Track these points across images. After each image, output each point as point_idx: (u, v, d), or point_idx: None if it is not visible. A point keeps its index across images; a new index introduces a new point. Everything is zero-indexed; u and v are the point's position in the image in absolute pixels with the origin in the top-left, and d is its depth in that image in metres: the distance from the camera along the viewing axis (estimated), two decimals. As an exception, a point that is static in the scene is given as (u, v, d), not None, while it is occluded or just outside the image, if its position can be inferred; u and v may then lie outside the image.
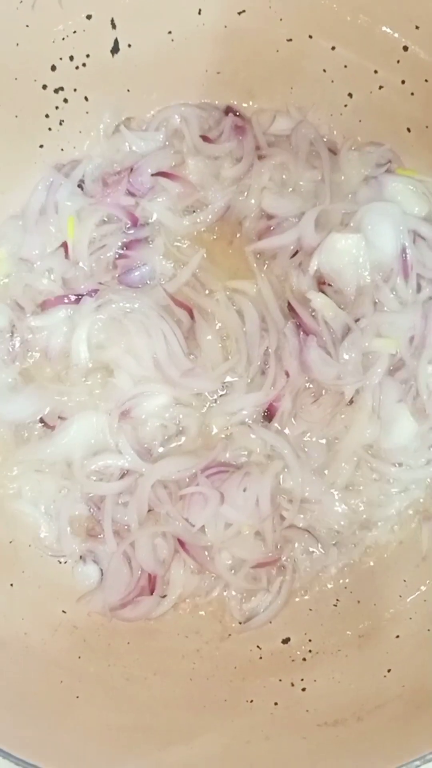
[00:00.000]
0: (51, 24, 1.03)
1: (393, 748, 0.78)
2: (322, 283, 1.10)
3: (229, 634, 1.04)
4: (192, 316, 1.10)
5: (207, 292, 1.12)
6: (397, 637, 0.97)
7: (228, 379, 1.09)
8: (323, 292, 1.09)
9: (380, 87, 1.09)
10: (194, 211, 1.15)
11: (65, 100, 1.11)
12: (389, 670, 0.93)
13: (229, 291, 1.11)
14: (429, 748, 0.76)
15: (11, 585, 1.02)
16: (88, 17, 1.04)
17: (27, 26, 1.01)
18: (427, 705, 0.85)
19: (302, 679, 0.96)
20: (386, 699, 0.89)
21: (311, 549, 1.06)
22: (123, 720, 0.90)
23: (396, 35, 1.03)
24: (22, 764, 0.77)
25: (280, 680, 0.96)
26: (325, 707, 0.91)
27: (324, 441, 1.08)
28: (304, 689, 0.95)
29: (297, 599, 1.06)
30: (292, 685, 0.96)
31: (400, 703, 0.87)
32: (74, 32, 1.05)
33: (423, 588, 1.01)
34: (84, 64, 1.08)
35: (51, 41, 1.05)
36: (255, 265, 1.13)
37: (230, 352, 1.10)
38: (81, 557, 1.07)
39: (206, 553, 1.06)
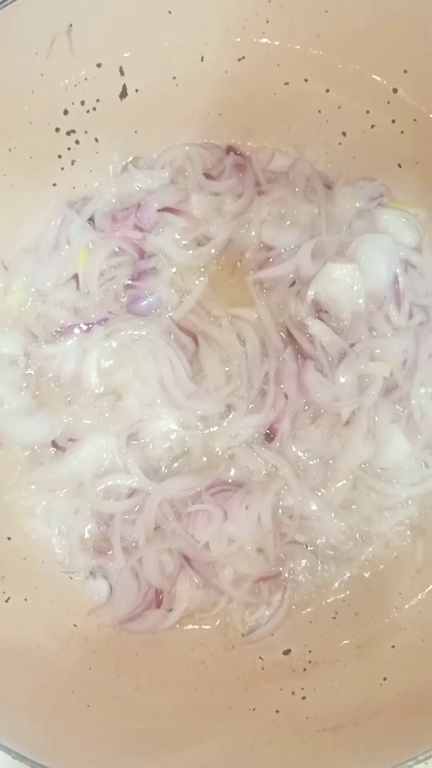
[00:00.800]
0: (64, 72, 1.10)
1: (389, 751, 0.82)
2: (319, 311, 1.16)
3: (233, 646, 1.08)
4: (196, 342, 1.16)
5: (211, 318, 1.18)
6: (393, 647, 1.02)
7: (230, 401, 1.14)
8: (320, 318, 1.15)
9: (372, 126, 1.15)
10: (198, 244, 1.21)
11: (77, 142, 1.18)
12: (385, 679, 0.97)
13: (231, 318, 1.17)
14: (422, 749, 0.80)
15: (25, 599, 1.07)
16: (98, 65, 1.11)
17: (42, 75, 1.08)
18: (421, 710, 0.89)
19: (302, 688, 1.00)
20: (382, 705, 0.93)
21: (311, 564, 1.10)
22: (132, 726, 0.95)
23: (385, 80, 1.09)
24: (38, 767, 0.82)
25: (282, 689, 1.01)
26: (325, 714, 0.95)
27: (322, 460, 1.13)
28: (304, 697, 0.99)
29: (297, 612, 1.10)
30: (293, 693, 1.00)
31: (396, 709, 0.91)
32: (85, 79, 1.12)
33: (417, 599, 1.05)
34: (94, 108, 1.15)
35: (64, 87, 1.12)
36: (255, 293, 1.18)
37: (232, 376, 1.15)
38: (91, 573, 1.12)
39: (211, 568, 1.10)
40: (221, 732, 0.95)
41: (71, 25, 1.04)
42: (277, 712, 0.97)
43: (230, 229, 1.20)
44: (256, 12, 1.07)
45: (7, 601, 1.05)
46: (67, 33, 1.06)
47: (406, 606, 1.06)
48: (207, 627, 1.10)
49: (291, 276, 1.18)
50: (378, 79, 1.10)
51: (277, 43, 1.10)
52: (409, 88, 1.09)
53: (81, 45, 1.08)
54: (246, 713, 0.98)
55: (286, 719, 0.96)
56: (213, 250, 1.21)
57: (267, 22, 1.08)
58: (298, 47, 1.10)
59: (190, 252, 1.21)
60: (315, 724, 0.93)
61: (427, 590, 1.06)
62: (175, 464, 1.14)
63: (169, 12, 1.07)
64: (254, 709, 0.98)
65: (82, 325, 1.17)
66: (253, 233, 1.20)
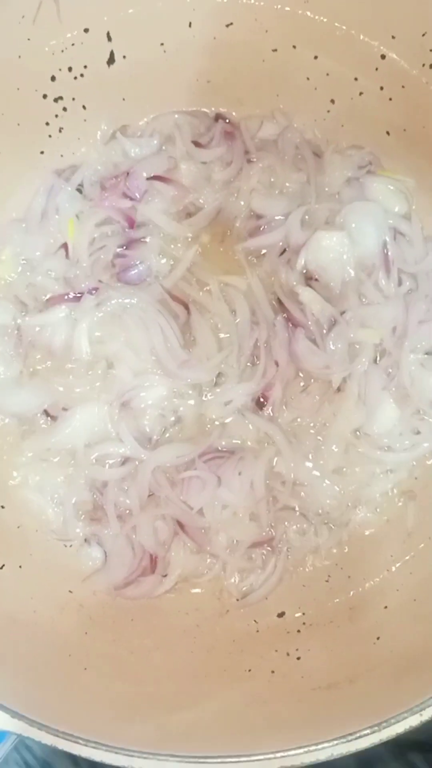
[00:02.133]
0: (51, 37, 1.09)
1: (384, 704, 0.83)
2: (309, 279, 1.17)
3: (227, 610, 1.09)
4: (188, 310, 1.16)
5: (201, 287, 1.18)
6: (385, 607, 1.03)
7: (222, 369, 1.15)
8: (310, 286, 1.15)
9: (360, 93, 1.15)
10: (188, 214, 1.21)
11: (64, 109, 1.17)
12: (378, 638, 0.98)
13: (222, 285, 1.17)
14: (416, 701, 0.81)
15: (20, 567, 1.07)
16: (86, 30, 1.10)
17: (28, 39, 1.07)
18: (415, 666, 0.90)
19: (297, 649, 1.01)
20: (376, 664, 0.94)
21: (303, 528, 1.12)
22: (128, 689, 0.96)
23: (374, 44, 1.09)
24: (36, 725, 0.82)
25: (276, 650, 1.02)
26: (319, 673, 0.96)
27: (313, 427, 1.14)
28: (299, 658, 1.00)
29: (291, 576, 1.11)
30: (288, 654, 1.01)
31: (389, 667, 0.93)
32: (72, 45, 1.11)
33: (408, 561, 1.07)
34: (82, 75, 1.14)
35: (51, 53, 1.10)
36: (245, 262, 1.18)
37: (223, 344, 1.16)
38: (86, 540, 1.12)
39: (204, 534, 1.11)
40: (217, 693, 0.96)
41: (58, -11, 1.03)
42: (273, 672, 0.98)
43: (219, 199, 1.20)
44: (244, -24, 1.07)
45: (1, 568, 1.05)
46: (53, -4, 1.05)
47: (398, 568, 1.07)
48: (201, 592, 1.11)
49: (281, 244, 1.18)
50: (366, 45, 1.10)
51: (265, 7, 1.10)
52: (397, 53, 1.09)
53: (68, 9, 1.07)
54: (242, 674, 0.99)
55: (281, 679, 0.97)
56: (202, 220, 1.20)
57: (256, -14, 1.08)
58: (287, 12, 1.09)
59: (180, 221, 1.20)
60: (310, 682, 0.95)
61: (417, 552, 1.08)
62: (168, 432, 1.15)
63: (157, -25, 1.07)
64: (250, 671, 0.99)
65: (72, 294, 1.17)
66: (243, 202, 1.20)
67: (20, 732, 0.82)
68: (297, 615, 1.07)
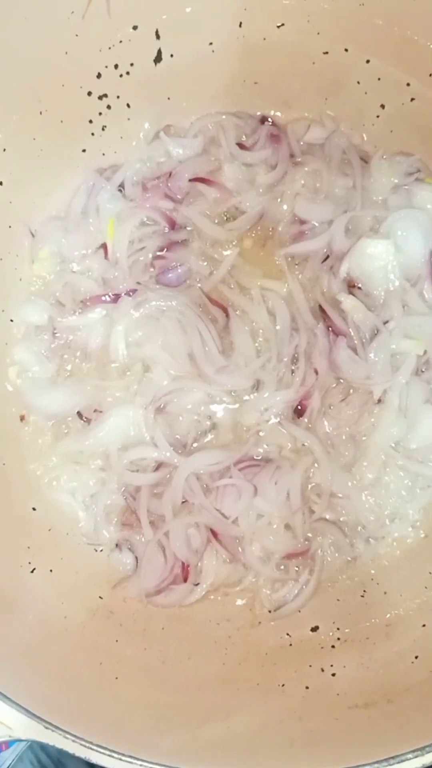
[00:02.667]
0: (99, 34, 1.07)
1: (423, 727, 0.82)
2: (351, 286, 1.15)
3: (260, 622, 1.08)
4: (227, 315, 1.14)
5: (241, 291, 1.16)
6: (424, 626, 1.01)
7: (260, 376, 1.13)
8: (353, 294, 1.13)
9: (412, 99, 1.13)
10: (230, 217, 1.19)
11: (108, 107, 1.16)
12: (417, 657, 0.96)
13: (262, 290, 1.15)
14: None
15: (51, 571, 1.06)
16: (134, 28, 1.09)
17: (76, 35, 1.06)
18: (454, 689, 0.89)
19: (332, 665, 0.99)
20: (414, 683, 0.92)
21: (339, 541, 1.09)
22: (160, 699, 0.94)
23: (429, 49, 1.07)
24: (71, 737, 0.81)
25: (310, 666, 1.00)
26: (355, 691, 0.94)
27: (352, 438, 1.12)
28: (333, 674, 0.98)
29: (325, 589, 1.09)
30: (322, 670, 0.99)
31: (428, 686, 0.90)
32: (120, 42, 1.09)
33: (448, 579, 1.05)
34: (128, 73, 1.13)
35: (98, 50, 1.09)
36: (287, 267, 1.16)
37: (262, 350, 1.14)
38: (117, 545, 1.11)
39: (238, 543, 1.09)
40: (250, 707, 0.94)
41: (109, -15, 1.02)
42: (307, 688, 0.96)
43: (263, 203, 1.18)
44: (299, -23, 1.05)
45: (32, 571, 1.04)
46: (104, -7, 1.03)
47: (437, 586, 1.05)
48: (233, 602, 1.09)
49: (324, 251, 1.17)
50: (421, 50, 1.07)
51: (318, 9, 1.07)
52: (452, 60, 1.07)
53: (118, 6, 1.05)
54: (275, 689, 0.97)
55: (316, 695, 0.95)
56: (245, 224, 1.18)
57: (310, -13, 1.06)
58: (341, 13, 1.07)
59: (222, 225, 1.18)
60: (346, 700, 0.93)
61: (458, 570, 1.06)
62: (203, 438, 1.13)
63: (210, -26, 1.05)
64: (283, 685, 0.97)
65: (110, 294, 1.15)
66: (286, 206, 1.19)
67: (53, 743, 0.81)
68: (331, 630, 1.05)
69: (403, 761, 0.77)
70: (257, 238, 1.19)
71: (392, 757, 0.77)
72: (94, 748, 0.79)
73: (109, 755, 0.78)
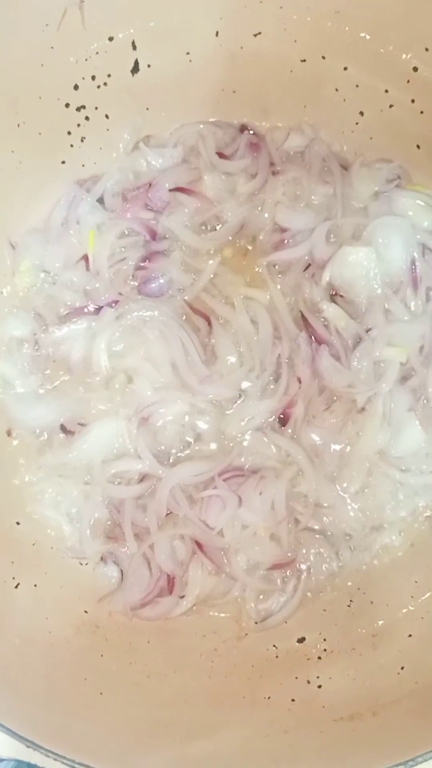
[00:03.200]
0: (75, 45, 1.07)
1: (408, 740, 0.81)
2: (334, 294, 1.14)
3: (246, 634, 1.07)
4: (209, 324, 1.14)
5: (223, 299, 1.16)
6: (410, 636, 1.00)
7: (243, 385, 1.12)
8: (335, 302, 1.13)
9: (390, 106, 1.13)
10: (210, 227, 1.19)
11: (87, 118, 1.15)
12: (402, 668, 0.96)
13: (244, 298, 1.15)
14: (444, 739, 0.79)
15: (35, 585, 1.05)
16: (110, 39, 1.09)
17: (52, 47, 1.05)
18: (441, 700, 0.88)
19: (318, 677, 0.99)
20: (400, 695, 0.92)
21: (325, 551, 1.09)
22: (146, 715, 0.93)
23: (406, 56, 1.06)
24: (52, 755, 0.80)
25: (297, 678, 0.99)
26: (341, 703, 0.93)
27: (337, 447, 1.11)
28: (320, 686, 0.98)
29: (311, 600, 1.08)
30: (308, 682, 0.99)
31: (414, 699, 0.90)
32: (97, 53, 1.09)
33: (434, 588, 1.05)
34: (105, 84, 1.13)
35: (74, 61, 1.09)
36: (268, 276, 1.16)
37: (245, 359, 1.13)
38: (102, 558, 1.10)
39: (223, 555, 1.09)
40: (236, 721, 0.94)
41: (83, -3, 1.02)
42: (293, 700, 0.96)
43: (243, 212, 1.17)
44: (274, -15, 1.04)
45: (16, 587, 1.03)
46: (78, 5, 1.03)
47: (424, 595, 1.04)
48: (219, 614, 1.09)
49: (306, 259, 1.16)
50: (398, 57, 1.07)
51: (295, 17, 1.07)
52: (430, 66, 1.06)
53: (93, 17, 1.05)
54: (261, 702, 0.96)
55: (301, 708, 0.95)
56: (226, 234, 1.18)
57: (285, -5, 1.05)
58: (317, 22, 1.07)
59: (202, 234, 1.18)
60: (332, 713, 0.92)
61: (443, 578, 1.05)
62: (187, 449, 1.12)
63: (184, -16, 1.05)
64: (269, 698, 0.97)
65: (91, 306, 1.15)
66: (267, 215, 1.18)
67: (33, 761, 0.80)
68: (318, 641, 1.04)
69: (387, 775, 0.76)
70: (239, 246, 1.19)
71: (377, 772, 0.77)
72: (77, 766, 0.78)
73: (92, 775, 0.78)
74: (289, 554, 1.08)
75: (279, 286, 1.16)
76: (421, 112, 1.11)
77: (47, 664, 0.96)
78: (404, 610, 1.03)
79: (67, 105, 1.13)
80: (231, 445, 1.12)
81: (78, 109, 1.14)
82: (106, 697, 0.94)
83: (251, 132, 1.21)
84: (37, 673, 0.94)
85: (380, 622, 1.04)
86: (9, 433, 1.15)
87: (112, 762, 0.81)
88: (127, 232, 1.18)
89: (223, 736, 0.90)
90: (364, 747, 0.85)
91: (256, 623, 1.07)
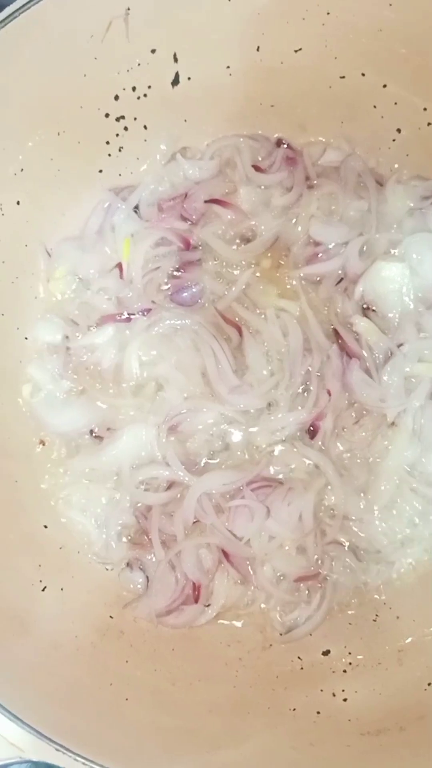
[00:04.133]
0: (117, 57, 1.08)
1: (436, 757, 0.81)
2: (366, 309, 1.15)
3: (271, 645, 1.07)
4: (240, 334, 1.15)
5: (256, 310, 1.16)
6: (437, 652, 1.00)
7: (273, 396, 1.13)
8: (367, 317, 1.13)
9: (428, 123, 1.13)
10: (244, 239, 1.19)
11: (125, 128, 1.16)
12: (429, 684, 0.95)
13: (276, 310, 1.15)
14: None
15: (61, 589, 1.06)
16: (153, 51, 1.10)
17: (95, 58, 1.07)
18: (468, 717, 0.88)
19: (343, 690, 0.99)
20: (428, 710, 0.91)
21: (352, 564, 1.09)
22: (171, 722, 0.93)
23: (446, 75, 1.08)
24: (81, 759, 0.80)
25: (322, 690, 0.99)
26: (368, 717, 0.93)
27: (366, 461, 1.12)
28: (345, 699, 0.98)
29: (337, 613, 1.08)
30: (334, 695, 0.99)
31: (442, 715, 0.90)
32: (138, 65, 1.10)
33: (462, 605, 1.04)
34: (145, 95, 1.14)
35: (116, 72, 1.10)
36: (301, 289, 1.17)
37: (275, 370, 1.14)
38: (128, 564, 1.11)
39: (249, 565, 1.09)
40: (261, 731, 0.94)
41: (128, 9, 1.03)
42: (318, 713, 0.96)
43: (277, 226, 1.18)
44: (317, 3, 1.05)
45: (43, 590, 1.04)
46: (124, 17, 1.04)
47: (450, 611, 1.04)
48: (244, 624, 1.09)
49: (338, 273, 1.17)
50: (437, 75, 1.09)
51: (336, 34, 1.08)
52: (468, 85, 1.07)
53: (137, 30, 1.06)
54: (286, 713, 0.96)
55: (327, 721, 0.94)
56: (259, 247, 1.19)
57: (328, 14, 1.06)
58: (358, 41, 1.08)
59: (236, 247, 1.19)
60: (358, 726, 0.92)
61: (471, 595, 1.05)
62: (216, 458, 1.13)
63: (228, -1, 1.06)
64: (294, 710, 0.97)
65: (124, 314, 1.16)
66: (300, 228, 1.19)
67: (62, 765, 0.80)
68: (343, 654, 1.04)
69: (416, 791, 0.76)
70: (272, 259, 1.19)
71: (405, 787, 0.77)
72: (104, 771, 0.79)
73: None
74: (316, 567, 1.08)
75: (311, 299, 1.16)
76: (459, 131, 1.12)
77: (73, 668, 0.96)
78: (431, 627, 1.03)
79: (107, 115, 1.14)
80: (260, 455, 1.13)
81: (117, 120, 1.15)
82: (131, 703, 0.94)
83: (288, 146, 1.22)
84: (63, 677, 0.94)
85: (406, 638, 1.03)
86: (39, 437, 1.16)
87: (137, 767, 0.81)
88: (161, 242, 1.19)
89: (249, 746, 0.90)
90: (391, 761, 0.85)
91: (281, 634, 1.08)
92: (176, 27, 1.08)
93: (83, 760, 0.80)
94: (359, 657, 1.03)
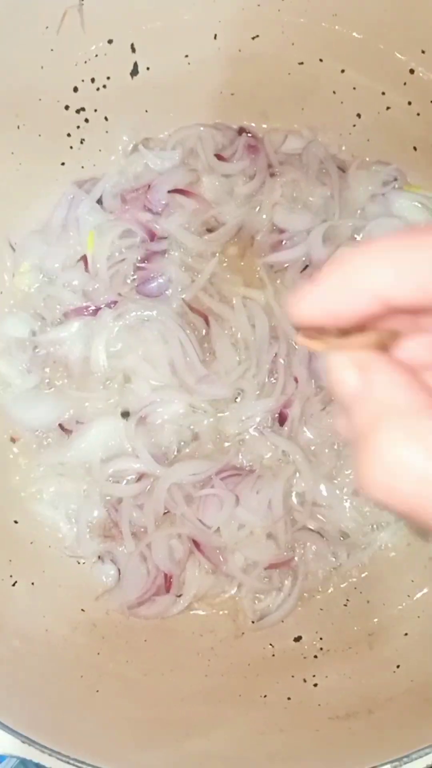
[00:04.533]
0: (74, 48, 1.08)
1: (404, 737, 0.81)
2: (332, 295, 1.14)
3: (243, 633, 1.07)
4: (208, 323, 1.14)
5: (222, 299, 1.16)
6: (406, 634, 1.00)
7: (240, 385, 1.13)
8: (333, 303, 1.13)
9: (387, 108, 1.13)
10: (209, 229, 1.19)
11: (86, 120, 1.16)
12: (398, 666, 0.96)
13: (242, 298, 1.15)
14: (438, 736, 0.79)
15: (32, 584, 1.05)
16: (110, 42, 1.09)
17: (52, 50, 1.06)
18: (436, 698, 0.88)
19: (314, 675, 0.99)
20: (396, 693, 0.91)
21: (322, 550, 1.09)
22: (142, 712, 0.93)
23: (403, 59, 1.07)
24: (47, 751, 0.80)
25: (293, 676, 0.99)
26: (337, 701, 0.93)
27: (334, 447, 1.12)
28: (316, 685, 0.98)
29: (308, 599, 1.09)
30: (305, 681, 0.99)
31: (410, 697, 0.90)
32: (96, 56, 1.10)
33: (430, 587, 1.04)
34: (105, 86, 1.13)
35: (74, 64, 1.10)
36: (266, 276, 1.17)
37: (242, 359, 1.14)
38: (99, 557, 1.10)
39: (220, 554, 1.09)
40: (232, 719, 0.94)
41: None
42: (289, 699, 0.96)
43: (242, 215, 1.18)
44: (272, -12, 1.05)
45: (14, 585, 1.03)
46: (78, 7, 1.04)
47: (419, 593, 1.04)
48: (216, 613, 1.09)
49: (303, 260, 1.17)
50: (395, 59, 1.08)
51: (292, 21, 1.08)
52: (426, 68, 1.07)
53: (92, 20, 1.06)
54: (257, 700, 0.96)
55: (297, 706, 0.95)
56: (224, 236, 1.19)
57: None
58: (314, 25, 1.08)
59: (201, 236, 1.19)
60: (327, 711, 0.92)
61: (440, 577, 1.05)
62: (185, 449, 1.13)
63: (183, -13, 1.06)
64: (265, 696, 0.97)
65: (90, 307, 1.15)
66: (265, 216, 1.19)
67: (30, 758, 0.80)
68: (314, 640, 1.04)
69: (380, 772, 0.76)
70: (237, 247, 1.19)
71: (370, 768, 0.77)
72: (72, 762, 0.78)
73: (86, 770, 0.78)
74: (287, 553, 1.09)
75: (277, 287, 1.16)
76: (418, 114, 1.11)
77: (44, 662, 0.96)
78: (400, 608, 1.03)
79: (66, 107, 1.14)
80: (229, 444, 1.13)
81: (78, 111, 1.15)
82: (101, 695, 0.94)
83: (249, 134, 1.21)
84: (33, 670, 0.94)
85: (376, 621, 1.04)
86: (8, 434, 1.15)
87: (108, 758, 0.81)
88: (126, 234, 1.18)
89: (219, 733, 0.90)
90: (359, 744, 0.85)
91: (253, 622, 1.08)
92: (132, 16, 1.08)
93: (49, 752, 0.80)
94: (330, 642, 1.04)
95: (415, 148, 1.15)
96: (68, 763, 0.78)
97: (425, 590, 1.04)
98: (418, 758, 0.77)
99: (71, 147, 1.18)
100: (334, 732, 0.89)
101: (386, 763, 0.77)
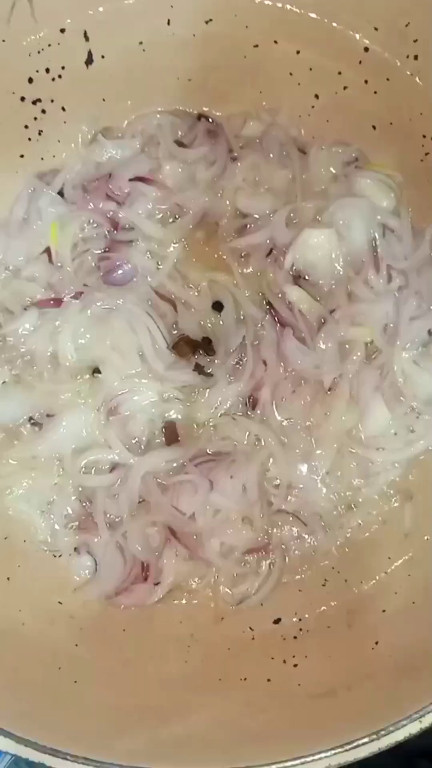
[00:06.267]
0: (26, 38, 1.07)
1: (382, 711, 0.81)
2: (298, 277, 1.14)
3: (222, 618, 1.07)
4: (176, 309, 1.14)
5: (188, 284, 1.16)
6: (384, 611, 1.01)
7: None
8: (299, 285, 1.13)
9: (345, 87, 1.13)
10: (173, 214, 1.19)
11: (43, 111, 1.15)
12: (377, 643, 0.96)
13: (208, 282, 1.15)
14: (415, 708, 0.79)
15: (8, 579, 1.04)
16: (62, 30, 1.09)
17: (3, 41, 1.06)
18: (414, 671, 0.88)
19: (294, 656, 0.99)
20: (374, 669, 0.92)
21: (299, 532, 1.09)
22: (120, 701, 0.93)
23: (356, 37, 1.07)
24: (23, 742, 0.80)
25: (273, 658, 0.99)
26: (317, 680, 0.93)
27: (305, 428, 1.12)
28: (296, 665, 0.98)
29: (286, 581, 1.08)
30: (284, 662, 0.99)
31: (388, 672, 0.90)
32: (49, 45, 1.09)
33: (406, 563, 1.04)
34: (60, 76, 1.13)
35: (27, 54, 1.09)
36: (231, 261, 1.16)
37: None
38: (75, 550, 1.10)
39: (197, 540, 1.08)
40: (212, 703, 0.93)
41: (32, -12, 1.02)
42: (269, 680, 0.96)
43: (204, 201, 1.17)
44: (222, -29, 1.05)
45: (-11, 581, 1.03)
46: (28, -3, 1.03)
47: (395, 570, 1.04)
48: (195, 599, 1.08)
49: (267, 243, 1.16)
50: (348, 38, 1.08)
51: (245, 3, 1.08)
52: (380, 46, 1.08)
53: (42, 9, 1.06)
54: (237, 683, 0.96)
55: (278, 687, 0.94)
56: (188, 223, 1.18)
57: (234, -19, 1.06)
58: (267, 6, 1.08)
59: (165, 224, 1.18)
60: (307, 690, 0.92)
61: (415, 552, 1.05)
62: (158, 437, 1.12)
63: (133, -28, 1.05)
64: (245, 679, 0.96)
65: (56, 298, 1.14)
66: (228, 201, 1.18)
67: (7, 749, 0.79)
68: (293, 621, 1.04)
69: (358, 746, 0.76)
70: (201, 233, 1.19)
71: (348, 743, 0.77)
72: (48, 751, 0.78)
73: (63, 758, 0.77)
74: (263, 537, 1.08)
75: (243, 271, 1.16)
76: (375, 93, 1.12)
77: (19, 656, 0.95)
78: (377, 585, 1.04)
79: (22, 99, 1.13)
80: (201, 430, 1.12)
81: (34, 103, 1.14)
82: (79, 685, 0.93)
83: (209, 120, 1.21)
84: (9, 664, 0.93)
85: (354, 600, 1.04)
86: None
87: (86, 746, 0.80)
88: (89, 224, 1.18)
89: (199, 717, 0.90)
90: (338, 721, 0.85)
91: (232, 607, 1.07)
92: (82, 4, 1.07)
93: (26, 743, 0.79)
94: (309, 622, 1.04)
95: (374, 127, 1.15)
96: (44, 752, 0.78)
97: (401, 566, 1.04)
98: (395, 730, 0.78)
99: (29, 139, 1.17)
100: (315, 710, 0.89)
101: (365, 737, 0.77)
